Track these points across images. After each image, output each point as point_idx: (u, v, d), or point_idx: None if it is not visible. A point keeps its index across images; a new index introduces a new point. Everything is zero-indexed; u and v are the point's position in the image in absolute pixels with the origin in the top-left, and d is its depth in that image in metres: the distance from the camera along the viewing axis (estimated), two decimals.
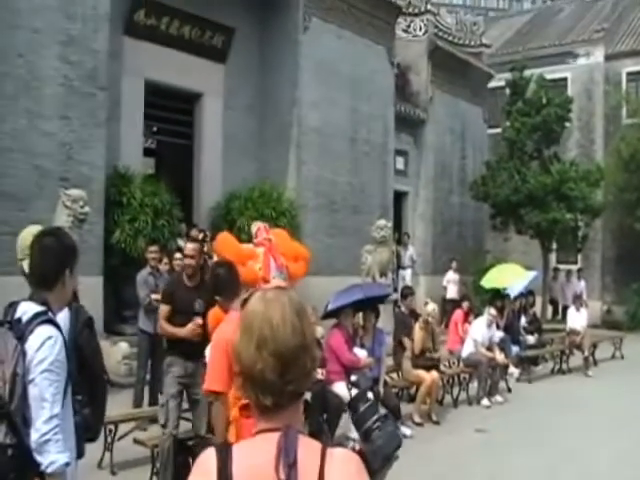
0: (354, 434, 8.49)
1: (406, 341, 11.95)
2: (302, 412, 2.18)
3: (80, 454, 3.73)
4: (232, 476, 1.97)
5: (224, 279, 5.57)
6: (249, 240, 7.08)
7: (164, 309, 7.59)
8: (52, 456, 3.23)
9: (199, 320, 7.05)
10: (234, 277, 5.58)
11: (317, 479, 1.96)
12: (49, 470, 3.23)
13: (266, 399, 2.01)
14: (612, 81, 29.88)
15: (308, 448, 2.01)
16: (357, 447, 6.10)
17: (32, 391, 3.26)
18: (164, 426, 7.20)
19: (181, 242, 15.12)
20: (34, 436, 3.23)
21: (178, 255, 12.64)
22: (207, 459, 2.04)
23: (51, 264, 3.57)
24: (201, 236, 14.70)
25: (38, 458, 3.22)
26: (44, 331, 3.33)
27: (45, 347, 3.29)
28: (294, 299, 2.11)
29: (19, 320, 3.36)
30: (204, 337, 6.24)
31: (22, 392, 3.24)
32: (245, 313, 2.10)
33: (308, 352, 2.06)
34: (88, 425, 3.81)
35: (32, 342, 3.29)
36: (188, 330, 7.15)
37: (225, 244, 5.83)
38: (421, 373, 11.64)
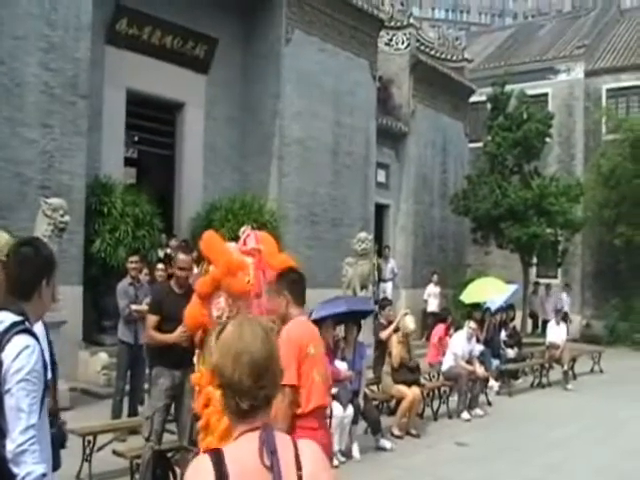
0: (336, 447, 8.49)
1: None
2: None
3: (57, 465, 3.71)
4: (227, 474, 2.35)
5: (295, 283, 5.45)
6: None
7: (152, 319, 7.50)
8: (29, 467, 3.18)
9: None
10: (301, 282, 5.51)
11: (294, 462, 2.46)
12: None
13: (244, 403, 2.43)
14: (592, 97, 30.13)
15: (283, 440, 2.51)
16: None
17: (8, 401, 3.22)
18: (147, 439, 7.10)
19: (161, 253, 15.10)
20: (10, 446, 3.18)
21: (160, 266, 12.63)
22: (202, 463, 2.40)
23: (28, 275, 3.54)
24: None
25: (14, 469, 3.17)
26: (21, 341, 3.29)
27: (22, 357, 3.26)
28: (262, 321, 2.65)
29: None
30: (192, 344, 6.18)
31: None
32: (222, 336, 2.52)
33: (276, 363, 2.52)
34: (64, 436, 3.76)
35: (9, 351, 3.26)
36: (177, 334, 7.02)
37: (213, 248, 5.66)
38: (402, 389, 11.61)
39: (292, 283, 5.36)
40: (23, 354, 3.27)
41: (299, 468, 2.46)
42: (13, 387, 3.22)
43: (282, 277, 5.41)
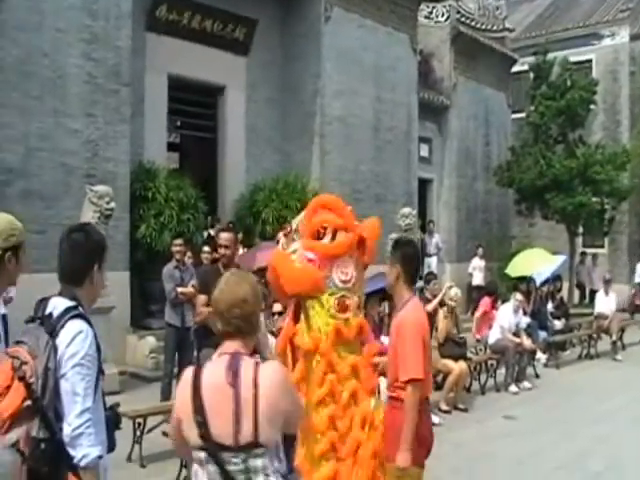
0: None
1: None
2: None
3: (112, 447, 3.68)
4: (201, 382, 3.17)
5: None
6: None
7: (202, 298, 7.58)
8: (85, 449, 3.25)
9: None
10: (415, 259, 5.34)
11: (252, 381, 3.12)
12: (82, 463, 3.25)
13: (219, 324, 3.29)
14: (638, 61, 29.57)
15: (247, 363, 3.20)
16: None
17: (64, 386, 3.27)
18: None
19: (205, 234, 15.21)
20: (66, 430, 3.25)
21: (206, 248, 12.77)
22: (187, 374, 3.27)
23: (79, 260, 3.56)
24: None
25: (71, 452, 3.24)
26: (75, 326, 3.34)
27: (76, 341, 3.30)
28: (252, 278, 3.50)
29: (50, 315, 3.37)
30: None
31: (54, 387, 3.26)
32: (222, 280, 3.42)
33: (248, 306, 3.29)
34: (118, 418, 3.85)
35: (63, 337, 3.30)
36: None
37: (348, 213, 5.61)
38: (449, 363, 11.64)
39: (406, 257, 5.17)
40: (77, 339, 3.31)
41: (256, 386, 3.11)
42: (68, 372, 3.27)
43: (397, 247, 5.27)
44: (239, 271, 3.94)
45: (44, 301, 3.50)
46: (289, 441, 4.11)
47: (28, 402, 3.21)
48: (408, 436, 4.73)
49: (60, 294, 3.52)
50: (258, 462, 3.13)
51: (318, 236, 5.32)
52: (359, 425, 5.39)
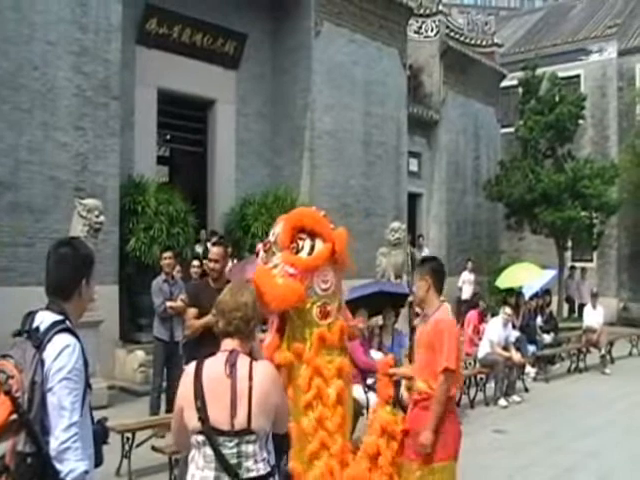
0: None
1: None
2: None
3: (99, 462, 3.66)
4: (202, 375, 3.60)
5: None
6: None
7: (192, 311, 7.55)
8: (71, 464, 3.24)
9: None
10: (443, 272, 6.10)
11: (247, 374, 3.56)
12: (68, 478, 3.23)
13: (221, 323, 3.74)
14: (626, 77, 29.69)
15: (244, 359, 3.65)
16: None
17: (51, 399, 3.26)
18: None
19: (199, 249, 15.20)
20: (53, 444, 3.23)
21: (195, 262, 12.74)
22: (189, 368, 3.72)
23: (68, 274, 3.56)
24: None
25: (58, 466, 3.22)
26: (62, 339, 3.33)
27: (63, 355, 3.29)
28: (250, 288, 4.07)
29: (37, 329, 3.35)
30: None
31: (40, 400, 3.24)
32: (228, 288, 3.94)
33: (247, 309, 3.75)
34: (106, 432, 3.84)
35: (50, 351, 3.29)
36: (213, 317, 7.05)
37: (323, 222, 5.51)
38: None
39: (435, 271, 5.93)
40: (64, 353, 3.30)
41: (250, 378, 3.55)
42: (55, 386, 3.25)
43: (426, 262, 6.15)
44: (242, 283, 4.43)
45: (31, 315, 3.48)
46: (279, 442, 4.40)
47: (14, 416, 3.19)
48: (434, 419, 5.43)
49: (47, 308, 3.51)
50: (250, 448, 3.56)
51: (297, 248, 5.35)
52: (378, 432, 5.76)
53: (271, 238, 5.40)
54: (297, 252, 5.32)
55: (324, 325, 5.40)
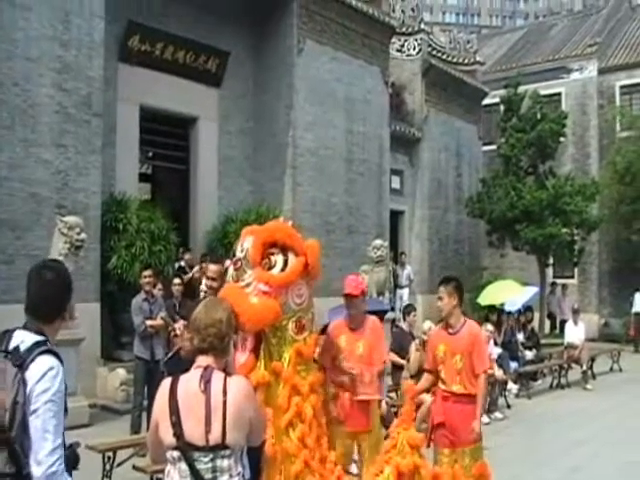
0: (356, 455, 8.53)
1: (398, 359, 12.13)
2: None
3: None
4: (177, 391, 3.61)
5: None
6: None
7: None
8: None
9: None
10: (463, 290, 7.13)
11: (222, 389, 3.56)
12: None
13: (196, 340, 3.73)
14: (606, 95, 29.98)
15: (218, 375, 3.64)
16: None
17: (34, 422, 3.24)
18: None
19: (176, 265, 15.16)
20: (39, 470, 3.20)
21: (177, 280, 12.71)
22: (165, 383, 3.71)
23: (54, 301, 3.58)
24: (197, 267, 14.75)
25: None
26: (46, 361, 3.32)
27: (47, 378, 3.29)
28: (229, 305, 4.00)
29: (17, 348, 3.33)
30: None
31: (22, 420, 3.22)
32: (201, 304, 3.95)
33: (221, 325, 3.75)
34: (77, 458, 3.82)
35: (33, 371, 3.28)
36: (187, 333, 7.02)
37: (296, 236, 5.51)
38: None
39: (459, 288, 6.87)
40: (48, 375, 3.30)
41: (225, 393, 3.55)
42: (40, 408, 3.24)
43: (450, 281, 6.95)
44: (217, 298, 4.45)
45: (7, 333, 3.47)
46: (254, 455, 4.54)
47: None
48: (480, 409, 6.71)
49: (25, 327, 3.49)
50: (225, 462, 3.59)
51: (270, 264, 5.31)
52: (411, 451, 5.93)
53: (239, 254, 5.33)
54: (269, 268, 5.28)
55: (300, 340, 5.40)
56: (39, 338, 3.41)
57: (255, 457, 4.83)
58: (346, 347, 6.91)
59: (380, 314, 11.93)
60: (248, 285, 5.20)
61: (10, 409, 3.21)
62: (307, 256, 5.40)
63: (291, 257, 5.36)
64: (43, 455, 3.21)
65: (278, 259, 5.34)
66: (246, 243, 5.34)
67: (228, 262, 5.62)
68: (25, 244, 12.42)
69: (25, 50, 12.90)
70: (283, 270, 5.32)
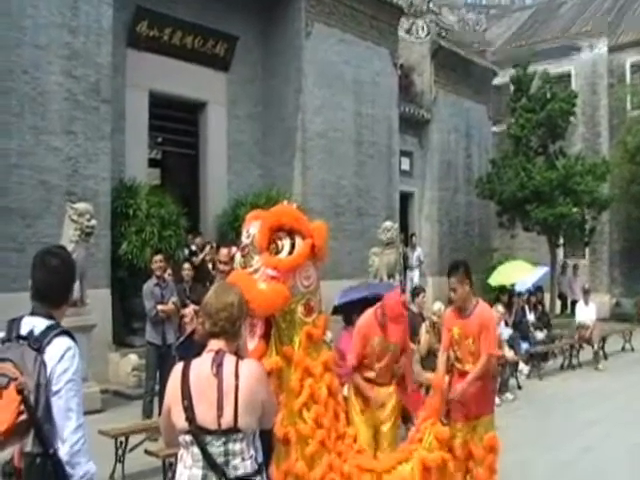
0: None
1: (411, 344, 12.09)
2: None
3: None
4: (189, 375, 3.64)
5: None
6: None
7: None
8: (84, 467, 3.31)
9: None
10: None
11: (234, 373, 3.59)
12: None
13: (207, 325, 3.75)
14: (616, 73, 29.68)
15: (230, 359, 3.67)
16: None
17: (57, 403, 3.29)
18: None
19: (186, 251, 15.18)
20: (64, 448, 3.27)
21: (186, 265, 12.75)
22: (177, 368, 3.75)
23: (61, 287, 3.64)
24: (208, 248, 14.78)
25: (69, 470, 3.27)
26: (63, 342, 3.39)
27: (66, 358, 3.35)
28: (234, 288, 4.02)
29: (31, 333, 3.37)
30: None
31: (45, 402, 3.27)
32: (212, 289, 4.01)
33: (233, 309, 3.76)
34: None
35: (52, 353, 3.33)
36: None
37: (302, 219, 5.55)
38: (431, 376, 11.64)
39: (469, 272, 6.89)
40: (67, 355, 3.35)
41: (237, 377, 3.58)
42: (62, 389, 3.30)
43: (460, 266, 6.91)
44: (228, 282, 4.45)
45: (16, 321, 3.50)
46: (265, 438, 4.38)
47: (23, 417, 3.21)
48: (470, 381, 6.66)
49: (34, 313, 3.53)
50: (237, 446, 3.61)
51: (277, 249, 5.32)
52: (438, 446, 6.12)
53: (246, 240, 5.33)
54: (277, 253, 5.29)
55: (310, 322, 5.43)
56: (51, 322, 3.46)
57: (266, 440, 4.85)
58: (377, 347, 7.08)
59: None
60: (256, 271, 5.22)
61: (34, 392, 3.26)
62: (314, 238, 5.42)
63: (298, 240, 5.37)
64: (68, 433, 3.28)
65: (285, 243, 5.35)
66: (252, 229, 5.35)
67: (235, 249, 5.63)
68: (35, 232, 12.48)
69: (34, 37, 12.92)
70: (290, 254, 5.35)
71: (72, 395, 3.33)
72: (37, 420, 3.24)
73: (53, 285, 3.59)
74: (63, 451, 3.27)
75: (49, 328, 3.41)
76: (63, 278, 3.65)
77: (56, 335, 3.39)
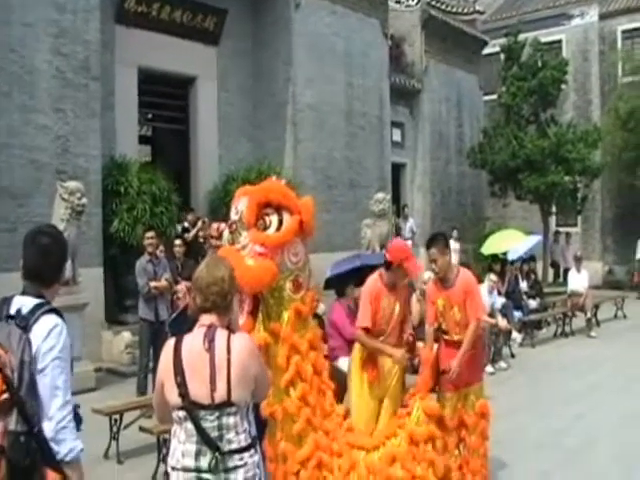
0: None
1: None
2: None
3: None
4: (181, 351, 3.66)
5: None
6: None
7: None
8: (69, 444, 3.29)
9: None
10: None
11: (225, 347, 3.61)
12: (68, 458, 3.29)
13: (199, 299, 3.75)
14: (607, 40, 29.61)
15: (221, 333, 3.68)
16: None
17: (42, 380, 3.29)
18: None
19: (179, 227, 15.19)
20: (50, 425, 3.26)
21: (177, 242, 12.77)
22: (169, 344, 3.77)
23: (52, 266, 3.62)
24: (200, 224, 14.78)
25: (55, 447, 3.26)
26: (49, 320, 3.38)
27: (52, 335, 3.33)
28: (230, 264, 3.98)
29: (19, 311, 3.39)
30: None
31: (29, 380, 3.27)
32: (202, 264, 3.95)
33: (224, 283, 3.76)
34: (80, 419, 3.87)
35: (38, 331, 3.33)
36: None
37: (289, 194, 5.56)
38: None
39: (448, 244, 7.12)
40: (53, 333, 3.34)
41: (229, 352, 3.60)
42: (48, 366, 3.29)
43: (438, 239, 7.01)
44: (218, 256, 4.41)
45: (6, 300, 3.51)
46: (257, 413, 4.54)
47: (5, 395, 3.21)
48: (464, 352, 6.68)
49: (24, 293, 3.54)
50: (230, 420, 3.63)
51: (265, 225, 5.33)
52: (427, 420, 6.08)
53: (234, 217, 5.34)
54: (265, 229, 5.30)
55: (298, 298, 5.46)
56: (39, 300, 3.46)
57: (259, 415, 4.91)
58: (387, 309, 6.97)
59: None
60: (244, 247, 5.23)
61: (17, 369, 3.26)
62: (302, 214, 5.44)
63: (286, 216, 5.38)
64: (54, 410, 3.28)
65: (273, 219, 5.36)
66: (240, 205, 5.35)
67: (223, 225, 5.64)
68: (27, 211, 12.45)
69: (21, 16, 12.83)
70: (278, 230, 5.36)
71: (58, 373, 3.33)
72: (20, 398, 3.24)
73: (44, 264, 3.58)
74: (49, 428, 3.27)
75: (37, 306, 3.41)
76: (54, 257, 3.63)
77: (43, 313, 3.39)
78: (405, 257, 6.84)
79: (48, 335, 3.34)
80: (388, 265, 6.85)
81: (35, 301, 3.46)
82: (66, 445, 3.28)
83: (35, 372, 3.30)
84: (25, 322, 3.35)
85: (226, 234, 5.44)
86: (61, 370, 3.34)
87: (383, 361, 6.90)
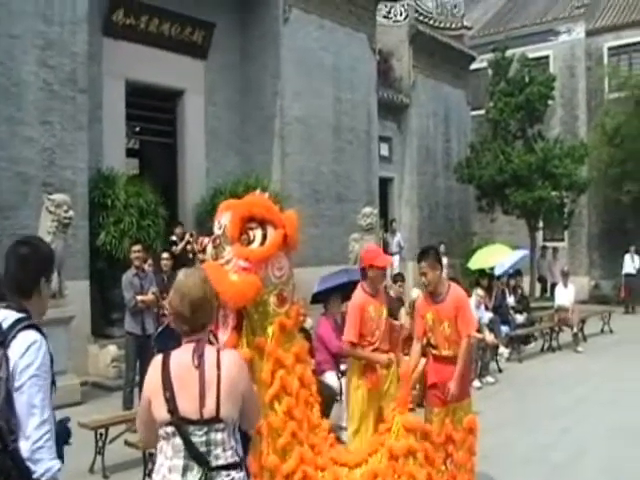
0: (345, 423, 8.61)
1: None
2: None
3: (61, 459, 3.57)
4: (169, 365, 3.56)
5: None
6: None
7: None
8: (47, 463, 3.21)
9: None
10: None
11: (215, 363, 3.55)
12: (44, 478, 3.21)
13: (185, 327, 3.61)
14: (594, 57, 29.87)
15: (210, 349, 3.65)
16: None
17: (20, 398, 3.22)
18: None
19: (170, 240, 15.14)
20: (26, 445, 3.19)
21: (165, 255, 12.73)
22: (157, 359, 3.64)
23: (28, 275, 3.54)
24: (187, 236, 14.74)
25: (31, 467, 3.18)
26: (28, 336, 3.30)
27: (30, 352, 3.26)
28: (202, 272, 3.85)
29: (0, 326, 3.33)
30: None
31: (6, 396, 3.20)
32: (176, 282, 3.69)
33: (210, 302, 3.68)
34: (69, 433, 3.83)
35: (16, 348, 3.26)
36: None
37: (273, 208, 5.51)
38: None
39: (439, 258, 7.05)
40: (31, 349, 3.27)
41: (218, 367, 3.55)
42: (25, 383, 3.22)
43: (430, 253, 7.04)
44: (187, 270, 3.99)
45: None
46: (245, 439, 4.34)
47: None
48: (460, 371, 6.75)
49: (7, 306, 3.48)
50: (218, 436, 3.57)
51: (248, 239, 5.30)
52: (406, 435, 5.92)
53: (218, 231, 5.30)
54: (249, 243, 5.27)
55: (282, 312, 5.43)
56: (20, 315, 3.40)
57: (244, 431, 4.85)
58: (375, 314, 7.24)
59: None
60: (228, 262, 5.19)
61: None
62: (286, 228, 5.42)
63: (270, 230, 5.35)
64: (31, 429, 3.20)
65: (257, 233, 5.32)
66: (224, 219, 5.32)
67: (207, 240, 5.60)
68: (13, 224, 12.37)
69: (7, 27, 12.78)
70: (262, 244, 5.33)
71: (36, 391, 3.25)
72: None
73: (22, 273, 3.53)
74: (25, 447, 3.20)
75: (17, 321, 3.35)
76: (31, 266, 3.56)
77: (22, 329, 3.33)
78: (375, 255, 7.25)
79: (26, 351, 3.27)
80: (365, 272, 7.18)
81: (17, 315, 3.39)
82: (43, 465, 3.21)
83: (12, 389, 3.23)
84: (3, 337, 3.29)
85: (210, 249, 5.40)
86: (39, 388, 3.26)
87: (377, 367, 7.18)
